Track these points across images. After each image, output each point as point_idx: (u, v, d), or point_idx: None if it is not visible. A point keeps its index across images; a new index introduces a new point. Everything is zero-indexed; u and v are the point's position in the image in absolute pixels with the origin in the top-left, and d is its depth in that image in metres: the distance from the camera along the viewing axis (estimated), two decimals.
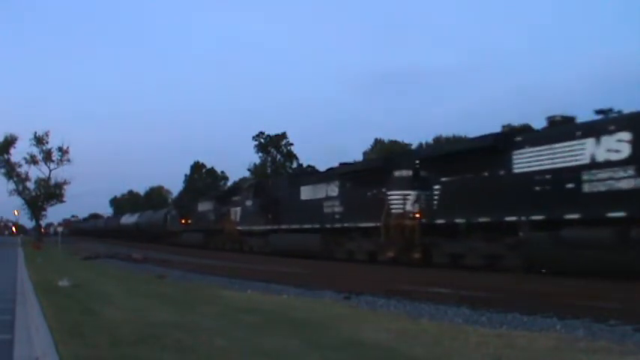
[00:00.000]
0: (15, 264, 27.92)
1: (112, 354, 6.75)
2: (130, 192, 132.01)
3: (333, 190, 27.78)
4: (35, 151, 65.26)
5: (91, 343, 7.42)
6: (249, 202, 36.62)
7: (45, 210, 71.08)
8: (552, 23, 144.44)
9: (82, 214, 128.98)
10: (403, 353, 6.84)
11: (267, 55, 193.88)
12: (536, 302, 10.99)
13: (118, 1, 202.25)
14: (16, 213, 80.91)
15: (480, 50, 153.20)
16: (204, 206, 46.44)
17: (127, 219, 77.19)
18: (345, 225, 26.36)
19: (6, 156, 65.35)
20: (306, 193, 30.04)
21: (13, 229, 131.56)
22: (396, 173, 22.98)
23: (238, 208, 38.27)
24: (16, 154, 66.25)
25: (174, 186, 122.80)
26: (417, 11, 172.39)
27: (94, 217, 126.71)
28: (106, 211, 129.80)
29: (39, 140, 64.76)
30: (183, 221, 51.31)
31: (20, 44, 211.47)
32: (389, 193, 23.11)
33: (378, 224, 23.00)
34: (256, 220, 35.08)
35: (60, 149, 65.13)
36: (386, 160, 25.85)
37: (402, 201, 22.46)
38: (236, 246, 38.75)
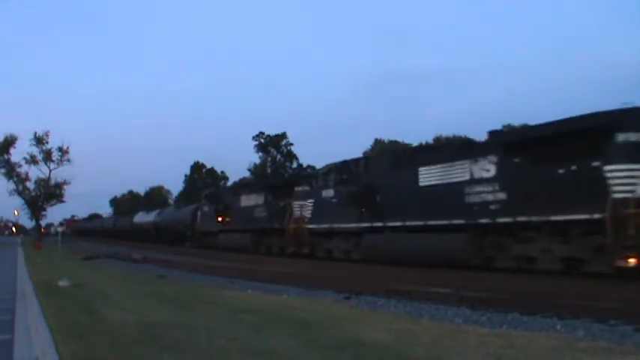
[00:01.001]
0: (15, 264, 27.92)
1: (112, 354, 6.76)
2: (130, 192, 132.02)
3: (487, 168, 18.28)
4: (35, 151, 65.42)
5: (91, 343, 7.42)
6: (327, 193, 27.27)
7: (45, 210, 71.21)
8: (552, 23, 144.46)
9: (82, 214, 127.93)
10: (403, 353, 6.84)
11: (267, 55, 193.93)
12: (536, 302, 10.98)
13: (119, 0, 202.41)
14: (16, 213, 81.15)
15: (480, 50, 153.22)
16: (249, 200, 36.15)
17: (142, 218, 66.82)
18: (519, 219, 16.98)
19: (6, 156, 65.44)
20: (431, 176, 20.81)
21: (13, 229, 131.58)
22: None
23: (308, 202, 28.52)
24: (16, 154, 66.37)
25: (175, 186, 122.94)
26: (417, 11, 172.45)
27: (97, 216, 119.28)
28: (106, 211, 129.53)
29: (39, 140, 64.86)
30: (220, 219, 40.29)
31: (20, 44, 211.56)
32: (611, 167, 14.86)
33: (597, 216, 14.79)
34: (341, 215, 25.50)
35: (60, 149, 65.27)
36: (609, 116, 15.40)
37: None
38: (304, 250, 28.89)
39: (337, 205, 26.14)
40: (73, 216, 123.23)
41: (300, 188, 29.71)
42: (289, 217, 29.55)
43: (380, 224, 23.02)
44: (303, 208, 28.77)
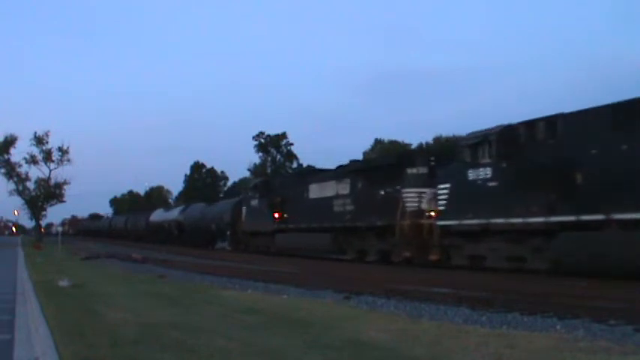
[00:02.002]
0: (15, 264, 27.93)
1: (112, 354, 6.76)
2: (130, 192, 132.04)
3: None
4: (35, 151, 65.49)
5: (91, 343, 7.42)
6: (479, 173, 18.38)
7: (45, 210, 71.26)
8: (553, 24, 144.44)
9: (82, 214, 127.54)
10: (403, 353, 6.84)
11: (267, 55, 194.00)
12: (536, 302, 10.98)
13: (119, 1, 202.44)
14: (16, 213, 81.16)
15: (480, 50, 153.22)
16: (323, 189, 27.49)
17: (162, 215, 58.33)
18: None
19: (6, 156, 65.51)
20: None
21: (13, 229, 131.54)
22: None
23: (440, 188, 19.89)
24: (16, 154, 66.43)
25: (175, 186, 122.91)
26: (418, 12, 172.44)
27: (101, 215, 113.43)
28: (106, 211, 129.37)
29: (39, 140, 64.95)
30: (277, 215, 31.62)
31: (20, 44, 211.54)
32: None
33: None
34: (510, 205, 17.14)
35: (60, 149, 65.33)
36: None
37: None
38: (430, 256, 20.66)
39: (500, 189, 17.64)
40: (73, 216, 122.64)
41: (414, 170, 22.15)
42: (401, 211, 21.60)
43: (574, 218, 15.41)
44: (427, 197, 21.31)
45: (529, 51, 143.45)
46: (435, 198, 20.51)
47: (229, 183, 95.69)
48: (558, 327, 8.91)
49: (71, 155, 65.67)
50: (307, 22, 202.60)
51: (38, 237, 69.16)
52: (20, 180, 66.78)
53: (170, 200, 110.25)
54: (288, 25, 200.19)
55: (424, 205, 21.24)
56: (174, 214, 54.11)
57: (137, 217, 68.98)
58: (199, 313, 10.57)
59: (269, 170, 78.00)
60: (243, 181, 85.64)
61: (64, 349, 6.94)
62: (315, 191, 28.29)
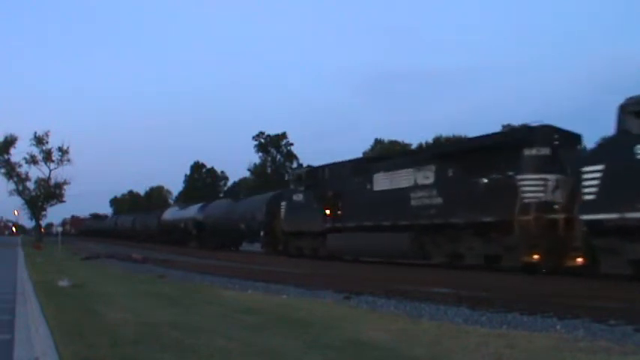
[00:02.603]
0: (15, 264, 27.93)
1: (112, 354, 6.76)
2: (130, 192, 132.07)
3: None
4: (35, 151, 65.52)
5: (91, 343, 7.42)
6: None
7: (45, 210, 71.28)
8: (553, 24, 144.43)
9: (82, 214, 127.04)
10: (403, 353, 6.84)
11: (267, 56, 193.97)
12: (536, 302, 10.99)
13: (118, 1, 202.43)
14: (16, 213, 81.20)
15: (480, 50, 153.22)
16: (395, 178, 22.33)
17: (177, 214, 52.27)
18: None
19: (6, 156, 65.53)
20: None
21: (13, 229, 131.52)
22: None
23: (587, 171, 14.55)
24: (16, 154, 66.50)
25: (175, 186, 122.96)
26: (418, 12, 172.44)
27: (101, 216, 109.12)
28: (106, 211, 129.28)
29: (39, 140, 64.97)
30: (328, 212, 25.99)
31: (21, 44, 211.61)
32: None
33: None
34: None
35: (60, 149, 65.35)
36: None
37: None
38: (565, 261, 16.40)
39: None
40: (73, 216, 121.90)
41: (533, 151, 17.59)
42: (520, 203, 17.22)
43: None
44: (551, 185, 17.06)
45: (529, 51, 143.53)
46: (560, 186, 16.72)
47: (229, 183, 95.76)
48: (558, 327, 8.92)
49: (71, 155, 65.79)
50: (307, 22, 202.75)
51: (38, 237, 69.17)
52: (20, 180, 66.86)
53: (170, 200, 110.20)
54: (288, 25, 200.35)
55: (549, 196, 16.96)
56: (192, 212, 47.68)
57: (147, 216, 63.08)
58: (199, 313, 10.57)
59: (269, 170, 78.02)
60: (243, 181, 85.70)
61: (64, 349, 6.94)
62: (383, 182, 22.91)
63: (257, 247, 37.13)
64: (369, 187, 23.58)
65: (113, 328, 8.62)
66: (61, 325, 8.93)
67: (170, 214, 54.39)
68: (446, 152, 21.33)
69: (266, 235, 33.45)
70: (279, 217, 30.78)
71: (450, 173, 19.92)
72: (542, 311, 10.09)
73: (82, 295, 13.75)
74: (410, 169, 21.66)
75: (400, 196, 21.66)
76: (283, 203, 30.15)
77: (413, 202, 21.21)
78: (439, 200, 20.18)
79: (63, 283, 15.89)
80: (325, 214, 26.12)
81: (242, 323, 9.21)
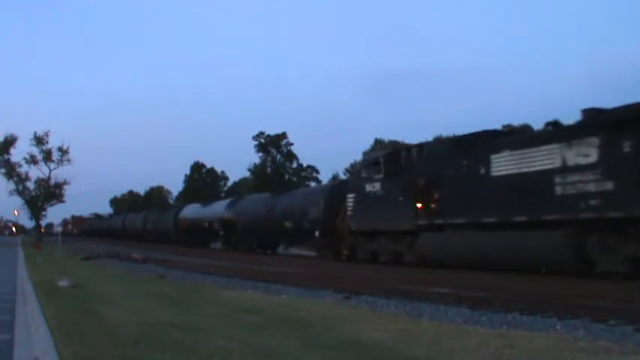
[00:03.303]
0: (15, 264, 27.94)
1: (112, 354, 6.76)
2: (130, 192, 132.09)
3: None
4: (35, 151, 65.53)
5: (91, 343, 7.42)
6: None
7: (45, 210, 71.28)
8: (552, 24, 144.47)
9: (82, 214, 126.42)
10: (403, 353, 6.84)
11: (267, 56, 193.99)
12: (536, 302, 10.98)
13: (118, 1, 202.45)
14: (16, 213, 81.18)
15: (480, 50, 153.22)
16: (529, 160, 16.73)
17: (198, 212, 46.05)
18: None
19: (6, 156, 65.55)
20: None
21: (13, 229, 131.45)
22: None
23: None
24: (16, 154, 66.47)
25: (175, 186, 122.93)
26: (417, 12, 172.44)
27: (105, 215, 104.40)
28: (106, 211, 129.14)
29: (39, 140, 64.99)
30: (419, 205, 20.42)
31: (20, 44, 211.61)
32: None
33: None
34: None
35: (60, 149, 65.35)
36: None
37: None
38: None
39: None
40: (73, 216, 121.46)
41: None
42: None
43: None
44: None
45: (529, 51, 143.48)
46: None
47: (229, 183, 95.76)
48: (558, 327, 8.91)
49: (71, 155, 65.77)
50: (307, 22, 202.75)
51: (38, 237, 69.16)
52: (20, 180, 66.88)
53: (170, 200, 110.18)
54: (288, 25, 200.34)
55: None
56: (219, 209, 41.55)
57: (160, 215, 57.07)
58: (199, 313, 10.57)
59: (269, 170, 78.01)
60: (243, 181, 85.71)
61: (64, 349, 6.94)
62: (508, 163, 17.43)
63: (296, 249, 33.18)
64: (483, 171, 17.96)
65: (113, 328, 8.62)
66: (61, 325, 8.93)
67: (190, 211, 48.01)
68: (618, 119, 14.91)
69: (323, 235, 26.79)
70: (342, 214, 24.67)
71: (628, 147, 14.31)
72: (542, 311, 10.08)
73: (82, 295, 13.76)
74: (554, 146, 16.04)
75: (537, 182, 16.19)
76: (351, 196, 23.89)
77: (560, 190, 15.70)
78: (610, 185, 14.59)
79: (63, 283, 15.90)
80: (416, 208, 20.17)
81: (242, 323, 9.21)
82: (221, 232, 40.76)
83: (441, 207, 19.32)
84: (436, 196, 19.65)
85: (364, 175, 23.68)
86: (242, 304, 11.84)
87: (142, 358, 6.58)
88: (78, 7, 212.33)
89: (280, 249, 36.04)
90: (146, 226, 59.53)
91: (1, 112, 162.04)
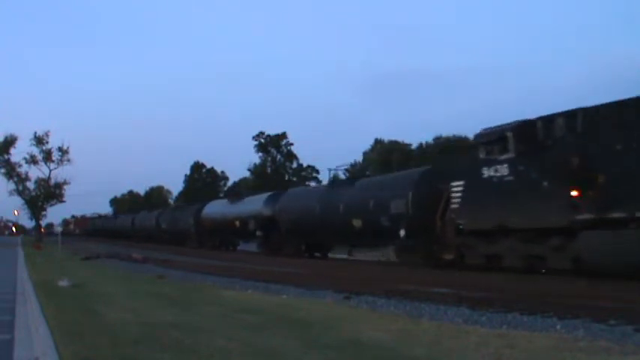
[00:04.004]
0: (15, 264, 27.94)
1: (112, 354, 6.76)
2: (130, 192, 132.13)
3: None
4: (35, 151, 65.53)
5: (91, 343, 7.42)
6: None
7: (45, 210, 71.28)
8: (552, 24, 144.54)
9: (85, 213, 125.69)
10: (403, 353, 6.84)
11: (267, 55, 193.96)
12: (536, 302, 10.98)
13: (118, 1, 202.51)
14: (16, 213, 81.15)
15: (480, 50, 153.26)
16: None
17: (226, 209, 39.87)
18: None
19: (6, 156, 65.56)
20: None
21: (13, 229, 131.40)
22: None
23: None
24: (16, 154, 66.46)
25: (175, 186, 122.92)
26: (417, 12, 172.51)
27: (107, 215, 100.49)
28: (107, 211, 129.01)
29: (39, 140, 64.99)
30: (575, 194, 14.56)
31: (21, 44, 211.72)
32: None
33: None
34: None
35: (60, 149, 65.35)
36: None
37: None
38: None
39: None
40: (73, 216, 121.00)
41: None
42: None
43: None
44: None
45: (529, 51, 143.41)
46: None
47: (229, 183, 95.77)
48: (558, 327, 8.91)
49: (71, 155, 65.76)
50: (307, 22, 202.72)
51: (38, 237, 69.17)
52: (20, 180, 66.89)
53: (170, 200, 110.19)
54: (288, 25, 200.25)
55: None
56: (255, 205, 35.53)
57: (177, 213, 51.24)
58: (199, 313, 10.57)
59: (269, 170, 78.03)
60: (243, 181, 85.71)
61: (64, 349, 6.94)
62: None
63: (365, 253, 28.74)
64: None
65: (113, 328, 8.62)
66: (61, 325, 8.93)
67: (216, 209, 42.01)
68: None
69: (410, 236, 21.59)
70: (441, 207, 19.38)
71: None
72: (542, 311, 10.08)
73: (82, 295, 13.76)
74: None
75: None
76: (458, 184, 18.64)
77: None
78: None
79: (63, 283, 15.90)
80: (571, 196, 14.84)
81: (242, 323, 9.21)
82: (258, 233, 34.50)
83: (609, 195, 13.98)
84: (599, 179, 14.25)
85: (481, 155, 17.96)
86: (242, 304, 11.84)
87: (142, 358, 6.58)
88: (78, 7, 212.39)
89: (332, 251, 31.18)
90: (160, 225, 54.33)
91: (1, 112, 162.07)
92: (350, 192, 26.51)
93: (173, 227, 50.28)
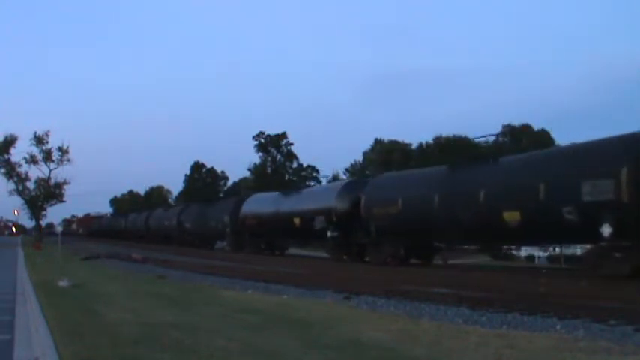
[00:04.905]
0: (15, 264, 27.93)
1: (112, 354, 6.76)
2: (130, 192, 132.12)
3: None
4: (35, 151, 65.41)
5: (91, 343, 7.42)
6: None
7: (45, 210, 71.21)
8: (552, 24, 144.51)
9: (82, 214, 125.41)
10: (403, 353, 6.84)
11: (267, 55, 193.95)
12: (536, 302, 10.99)
13: (118, 1, 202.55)
14: (16, 213, 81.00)
15: (480, 50, 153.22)
16: None
17: (281, 204, 32.70)
18: None
19: (6, 156, 65.48)
20: None
21: (13, 229, 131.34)
22: None
23: None
24: (16, 154, 66.40)
25: (175, 186, 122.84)
26: (418, 11, 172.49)
27: (107, 213, 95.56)
28: (107, 211, 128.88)
29: (39, 140, 64.86)
30: None
31: (20, 44, 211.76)
32: None
33: None
34: None
35: (60, 149, 65.26)
36: None
37: None
38: None
39: None
40: (73, 216, 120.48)
41: None
42: None
43: None
44: None
45: (529, 52, 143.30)
46: None
47: (229, 183, 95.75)
48: (558, 327, 8.92)
49: (71, 155, 65.67)
50: (307, 22, 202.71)
51: (38, 237, 69.15)
52: (20, 180, 66.78)
53: (170, 200, 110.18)
54: (288, 25, 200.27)
55: None
56: (326, 198, 28.32)
57: (206, 210, 43.08)
58: (199, 313, 10.57)
59: (269, 170, 78.00)
60: (243, 181, 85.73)
61: (64, 349, 6.94)
62: None
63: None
64: None
65: (113, 328, 8.62)
66: (61, 325, 8.93)
67: (262, 204, 34.90)
68: None
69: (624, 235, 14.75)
70: None
71: None
72: (542, 311, 10.09)
73: (82, 295, 13.76)
74: None
75: None
76: None
77: None
78: None
79: (63, 283, 15.89)
80: None
81: (242, 323, 9.21)
82: (331, 233, 26.77)
83: None
84: None
85: None
86: (242, 304, 11.84)
87: (142, 358, 6.58)
88: (78, 7, 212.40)
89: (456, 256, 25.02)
90: (182, 225, 47.07)
91: (1, 112, 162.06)
92: (493, 173, 19.31)
93: (200, 227, 42.80)
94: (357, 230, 25.03)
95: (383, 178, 26.72)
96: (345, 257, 26.38)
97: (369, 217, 23.93)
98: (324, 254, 29.80)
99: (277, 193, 35.92)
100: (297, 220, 30.06)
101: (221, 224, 39.12)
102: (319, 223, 27.87)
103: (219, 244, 43.52)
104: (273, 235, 33.66)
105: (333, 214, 26.90)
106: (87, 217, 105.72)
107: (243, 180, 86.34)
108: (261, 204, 35.34)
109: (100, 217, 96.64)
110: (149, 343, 7.39)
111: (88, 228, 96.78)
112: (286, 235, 32.63)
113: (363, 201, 24.55)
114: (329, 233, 26.83)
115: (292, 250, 36.52)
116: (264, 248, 34.51)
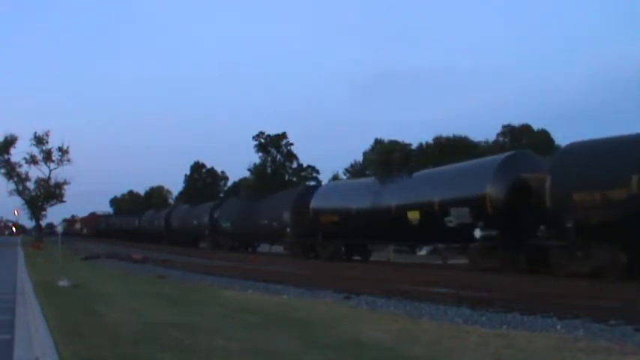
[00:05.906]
0: (15, 264, 27.92)
1: (112, 354, 6.76)
2: (130, 192, 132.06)
3: None
4: (35, 151, 65.38)
5: (91, 343, 7.42)
6: None
7: (45, 210, 71.20)
8: (552, 24, 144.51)
9: (82, 214, 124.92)
10: (403, 353, 6.84)
11: (267, 55, 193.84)
12: (536, 302, 10.99)
13: (118, 1, 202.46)
14: (16, 213, 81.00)
15: (480, 50, 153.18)
16: None
17: (375, 194, 24.19)
18: None
19: (6, 156, 65.47)
20: None
21: (13, 229, 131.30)
22: None
23: None
24: (16, 154, 66.38)
25: (175, 186, 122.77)
26: (417, 11, 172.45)
27: (125, 212, 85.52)
28: (107, 211, 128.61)
29: (39, 140, 64.84)
30: None
31: (20, 44, 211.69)
32: None
33: None
34: None
35: (60, 149, 65.24)
36: None
37: None
38: None
39: None
40: (72, 215, 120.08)
41: None
42: None
43: None
44: None
45: (529, 51, 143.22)
46: None
47: (229, 183, 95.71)
48: (558, 327, 8.92)
49: (71, 155, 65.64)
50: (307, 21, 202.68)
51: (38, 237, 69.13)
52: (20, 180, 66.77)
53: (170, 200, 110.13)
54: (288, 25, 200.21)
55: None
56: (470, 180, 20.13)
57: (253, 205, 35.88)
58: (199, 313, 10.57)
59: (269, 170, 77.98)
60: (243, 181, 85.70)
61: (64, 349, 6.94)
62: None
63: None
64: None
65: (113, 328, 8.62)
66: (61, 325, 8.93)
67: (346, 195, 26.90)
68: None
69: None
70: None
71: None
72: (542, 311, 10.09)
73: (82, 295, 13.76)
74: None
75: None
76: None
77: None
78: None
79: (63, 283, 15.90)
80: None
81: (242, 323, 9.21)
82: (479, 232, 18.73)
83: None
84: None
85: None
86: (242, 304, 11.84)
87: (142, 358, 6.58)
88: (78, 7, 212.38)
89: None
90: (217, 224, 40.14)
91: (1, 112, 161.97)
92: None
93: (244, 226, 35.14)
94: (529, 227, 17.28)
95: (580, 147, 17.26)
96: (522, 268, 17.49)
97: (570, 205, 15.60)
98: (458, 261, 21.77)
99: (372, 178, 28.38)
100: (413, 215, 21.79)
101: (278, 223, 32.01)
102: (459, 217, 19.75)
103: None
104: (368, 237, 25.44)
105: (484, 204, 18.67)
106: (92, 215, 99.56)
107: (243, 180, 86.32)
108: (345, 195, 26.83)
109: (107, 216, 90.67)
110: (149, 343, 7.39)
111: (94, 228, 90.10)
112: (389, 235, 24.55)
113: (560, 179, 16.21)
114: (476, 232, 18.78)
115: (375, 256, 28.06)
116: (345, 254, 26.82)
